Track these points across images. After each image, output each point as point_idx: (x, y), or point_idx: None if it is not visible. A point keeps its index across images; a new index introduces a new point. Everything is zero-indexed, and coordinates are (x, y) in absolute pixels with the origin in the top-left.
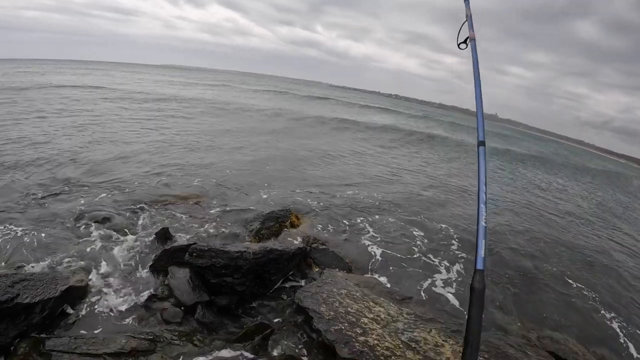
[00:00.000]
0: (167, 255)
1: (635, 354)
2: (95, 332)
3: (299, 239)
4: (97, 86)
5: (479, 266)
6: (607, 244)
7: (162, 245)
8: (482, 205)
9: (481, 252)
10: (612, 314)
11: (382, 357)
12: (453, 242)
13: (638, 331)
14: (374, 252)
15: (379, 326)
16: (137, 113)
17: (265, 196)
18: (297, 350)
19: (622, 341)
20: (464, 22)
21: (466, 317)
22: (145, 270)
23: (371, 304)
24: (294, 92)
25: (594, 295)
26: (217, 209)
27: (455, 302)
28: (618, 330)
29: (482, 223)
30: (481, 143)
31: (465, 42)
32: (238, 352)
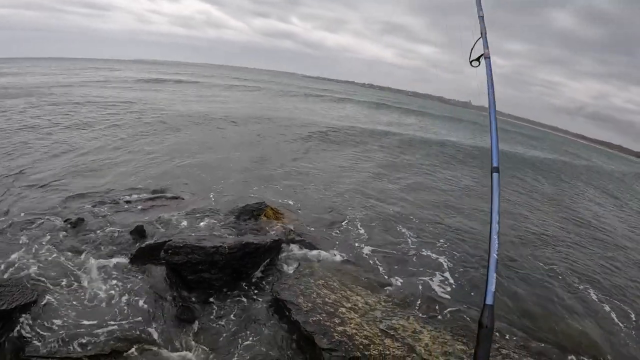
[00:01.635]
0: (143, 253)
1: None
2: (75, 334)
3: (275, 232)
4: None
5: (489, 301)
6: None
7: (138, 243)
8: (494, 237)
9: (492, 287)
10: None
11: (361, 346)
12: (432, 230)
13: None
14: (352, 243)
15: (357, 315)
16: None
17: (237, 192)
18: (275, 343)
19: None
20: (477, 39)
21: (472, 356)
22: (123, 269)
23: (349, 293)
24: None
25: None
26: (193, 206)
27: (433, 290)
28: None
29: (494, 255)
30: (495, 169)
31: (478, 59)
32: (217, 348)
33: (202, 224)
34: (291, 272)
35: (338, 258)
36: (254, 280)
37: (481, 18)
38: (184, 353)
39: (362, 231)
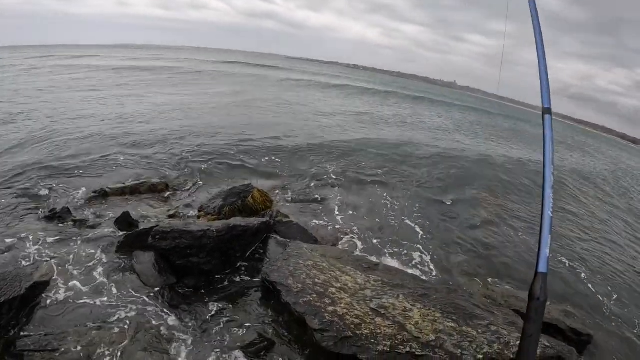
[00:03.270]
0: (130, 240)
1: (598, 306)
2: (65, 326)
3: (263, 214)
4: None
5: (542, 269)
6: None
7: (125, 231)
8: (548, 190)
9: (546, 251)
10: (579, 270)
11: (352, 326)
12: (417, 205)
13: (600, 281)
14: (340, 222)
15: (347, 295)
16: None
17: (220, 172)
18: (266, 326)
19: (588, 294)
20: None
21: (522, 331)
22: (110, 258)
23: (338, 273)
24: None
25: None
26: (178, 191)
27: (422, 268)
28: (585, 282)
29: (549, 213)
30: (547, 110)
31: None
32: (207, 332)
33: (188, 209)
34: (280, 254)
35: (327, 238)
36: (243, 263)
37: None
38: (175, 338)
39: (350, 213)
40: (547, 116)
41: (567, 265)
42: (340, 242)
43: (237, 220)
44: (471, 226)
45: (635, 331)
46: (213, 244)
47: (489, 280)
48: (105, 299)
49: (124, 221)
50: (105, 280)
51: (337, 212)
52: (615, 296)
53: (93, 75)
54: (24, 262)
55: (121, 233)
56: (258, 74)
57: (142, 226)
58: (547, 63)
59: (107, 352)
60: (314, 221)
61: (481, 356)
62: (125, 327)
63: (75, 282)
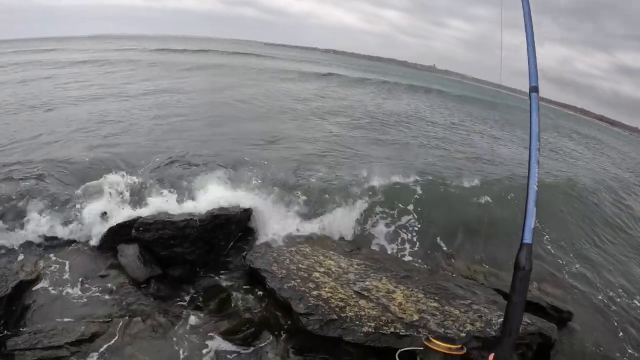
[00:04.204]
0: (112, 234)
1: (578, 285)
2: (54, 323)
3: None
4: None
5: (527, 239)
6: None
7: (106, 224)
8: (534, 165)
9: (531, 223)
10: (557, 249)
11: (337, 309)
12: (402, 188)
13: (578, 265)
14: (322, 207)
15: (330, 279)
16: None
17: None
18: (252, 312)
19: (568, 272)
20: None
21: (507, 300)
22: (94, 253)
23: (321, 258)
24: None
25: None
26: (151, 180)
27: (404, 250)
28: (566, 261)
29: (534, 186)
30: (533, 89)
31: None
32: (196, 321)
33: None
34: (263, 240)
35: (310, 224)
36: (226, 251)
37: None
38: (162, 328)
39: (326, 196)
40: (533, 94)
41: (548, 242)
42: (323, 226)
43: (220, 209)
44: (454, 206)
45: (614, 308)
46: (197, 233)
47: (471, 260)
48: (93, 294)
49: (105, 214)
50: (90, 274)
51: (317, 194)
52: (596, 274)
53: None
54: (5, 261)
55: (103, 226)
56: (233, 63)
57: (123, 217)
58: (534, 41)
59: (97, 347)
60: (296, 204)
61: (464, 334)
62: (114, 320)
63: (61, 278)
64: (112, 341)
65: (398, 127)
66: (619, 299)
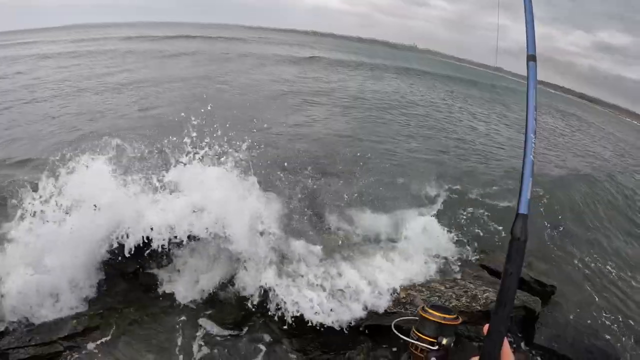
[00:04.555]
0: None
1: (563, 259)
2: (45, 320)
3: None
4: None
5: (523, 210)
6: None
7: None
8: (530, 135)
9: (527, 194)
10: (544, 224)
11: None
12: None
13: (564, 239)
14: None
15: None
16: None
17: None
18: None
19: (552, 247)
20: None
21: (502, 271)
22: None
23: None
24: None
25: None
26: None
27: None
28: (550, 235)
29: (530, 157)
30: (531, 57)
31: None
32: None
33: None
34: None
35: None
36: None
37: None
38: (155, 317)
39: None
40: (531, 63)
41: (534, 217)
42: None
43: None
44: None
45: (598, 279)
46: None
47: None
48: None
49: None
50: None
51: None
52: (580, 249)
53: None
54: None
55: None
56: (214, 49)
57: None
58: (532, 6)
59: (90, 340)
60: None
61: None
62: (104, 312)
63: (46, 274)
64: (106, 333)
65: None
66: (602, 274)
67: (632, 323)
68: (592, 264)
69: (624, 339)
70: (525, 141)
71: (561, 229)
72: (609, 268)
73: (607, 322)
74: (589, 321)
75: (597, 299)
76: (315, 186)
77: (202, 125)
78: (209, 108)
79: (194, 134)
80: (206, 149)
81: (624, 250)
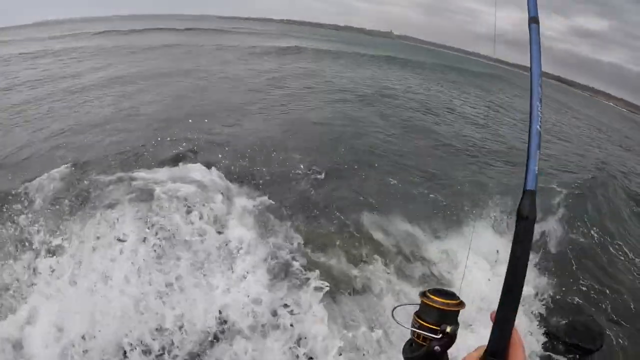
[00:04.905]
0: None
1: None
2: None
3: None
4: None
5: (530, 186)
6: None
7: None
8: (536, 103)
9: (534, 167)
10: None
11: None
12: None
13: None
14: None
15: None
16: None
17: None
18: None
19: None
20: None
21: (510, 253)
22: None
23: None
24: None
25: None
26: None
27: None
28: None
29: (536, 127)
30: (533, 19)
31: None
32: None
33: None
34: None
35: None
36: None
37: None
38: None
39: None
40: (533, 25)
41: None
42: None
43: None
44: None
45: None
46: None
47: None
48: None
49: None
50: None
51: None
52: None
53: None
54: None
55: None
56: (189, 42)
57: None
58: None
59: None
60: None
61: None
62: None
63: None
64: None
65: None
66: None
67: (616, 297)
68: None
69: (608, 313)
70: (531, 110)
71: None
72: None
73: (592, 299)
74: (573, 298)
75: (581, 277)
76: None
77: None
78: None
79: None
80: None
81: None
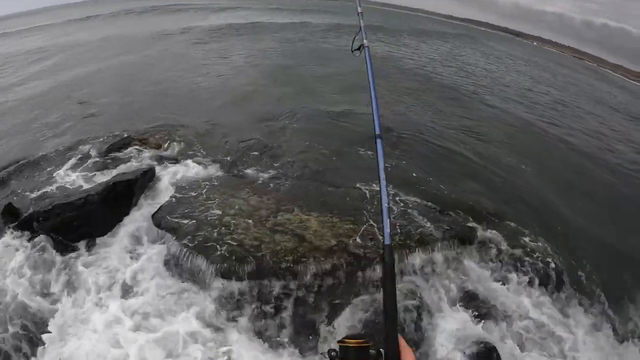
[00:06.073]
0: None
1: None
2: None
3: (145, 160)
4: None
5: (387, 242)
6: None
7: (11, 223)
8: (384, 189)
9: (387, 230)
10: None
11: (252, 249)
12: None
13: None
14: (223, 150)
15: (243, 219)
16: None
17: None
18: (167, 275)
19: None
20: (358, 32)
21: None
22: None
23: (231, 200)
24: None
25: None
26: (51, 166)
27: (312, 183)
28: None
29: (385, 205)
30: (378, 136)
31: (359, 49)
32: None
33: (68, 180)
34: (169, 196)
35: (213, 168)
36: (134, 216)
37: (360, 14)
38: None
39: (232, 138)
40: (378, 140)
41: None
42: (227, 167)
43: (118, 177)
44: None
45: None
46: (98, 207)
47: None
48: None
49: (9, 212)
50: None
51: (219, 137)
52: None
53: None
54: None
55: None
56: (125, 32)
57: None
58: (377, 100)
59: None
60: (197, 152)
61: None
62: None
63: None
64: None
65: None
66: None
67: None
68: None
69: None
70: (380, 190)
71: None
72: None
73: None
74: None
75: None
76: None
77: None
78: None
79: None
80: None
81: None
